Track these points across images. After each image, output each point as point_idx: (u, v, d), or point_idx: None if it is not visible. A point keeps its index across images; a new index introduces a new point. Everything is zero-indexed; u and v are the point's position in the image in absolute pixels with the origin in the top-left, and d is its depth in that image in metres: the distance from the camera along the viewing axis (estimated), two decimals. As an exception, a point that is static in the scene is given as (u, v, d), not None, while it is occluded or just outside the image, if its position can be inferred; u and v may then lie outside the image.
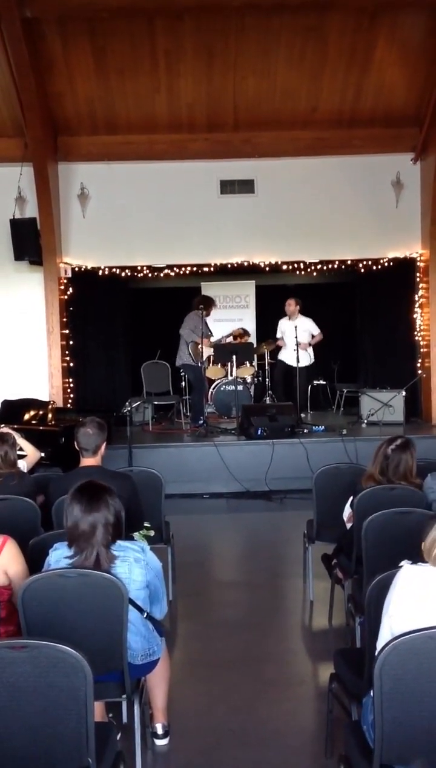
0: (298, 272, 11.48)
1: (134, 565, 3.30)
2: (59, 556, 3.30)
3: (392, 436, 4.68)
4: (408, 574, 2.67)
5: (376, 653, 2.47)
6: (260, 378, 11.63)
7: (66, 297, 10.85)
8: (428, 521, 2.81)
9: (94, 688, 2.48)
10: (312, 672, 4.69)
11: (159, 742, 3.68)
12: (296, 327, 10.25)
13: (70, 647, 2.43)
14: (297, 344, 10.10)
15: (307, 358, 10.53)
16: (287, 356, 10.75)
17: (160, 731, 3.70)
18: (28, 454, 5.77)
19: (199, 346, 10.07)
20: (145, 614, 3.32)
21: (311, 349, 10.66)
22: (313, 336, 10.62)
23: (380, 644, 2.61)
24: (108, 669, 3.15)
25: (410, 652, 2.38)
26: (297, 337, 10.12)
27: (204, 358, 10.36)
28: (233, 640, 4.99)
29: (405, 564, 2.73)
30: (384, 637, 2.62)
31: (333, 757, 3.40)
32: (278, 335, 11.00)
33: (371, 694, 2.58)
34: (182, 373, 10.85)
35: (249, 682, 4.35)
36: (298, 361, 10.19)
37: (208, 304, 10.39)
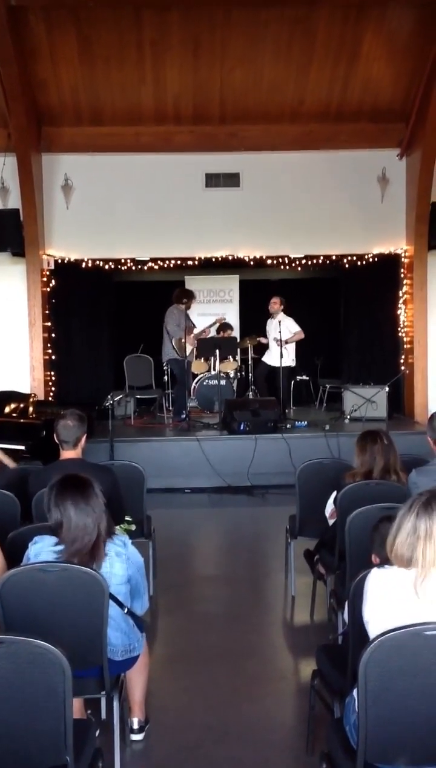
0: (282, 267, 11.46)
1: (115, 559, 3.26)
2: (39, 549, 3.24)
3: (367, 431, 4.65)
4: (376, 578, 2.64)
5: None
6: (243, 373, 11.60)
7: (49, 289, 10.76)
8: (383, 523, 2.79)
9: (73, 684, 2.43)
10: (293, 668, 4.66)
11: (134, 737, 3.64)
12: (279, 322, 10.24)
13: (49, 643, 2.38)
14: (281, 340, 10.06)
15: (288, 359, 10.47)
16: (270, 358, 10.72)
17: (135, 726, 3.66)
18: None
19: (183, 340, 10.03)
20: (126, 610, 3.27)
21: (291, 349, 10.60)
22: (293, 333, 10.56)
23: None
24: (87, 665, 3.11)
25: (395, 649, 2.35)
26: (281, 332, 10.09)
27: (188, 352, 10.31)
28: (214, 635, 4.96)
29: (373, 569, 2.71)
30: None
31: (315, 754, 3.37)
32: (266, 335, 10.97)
33: (354, 694, 2.55)
34: (166, 368, 10.80)
35: (230, 677, 4.32)
36: (281, 357, 10.14)
37: (189, 297, 10.35)
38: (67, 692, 2.41)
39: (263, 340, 10.95)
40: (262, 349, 11.06)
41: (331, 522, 4.72)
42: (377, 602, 2.59)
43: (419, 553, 2.53)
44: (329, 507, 4.78)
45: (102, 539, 3.21)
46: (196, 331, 10.77)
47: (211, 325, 11.64)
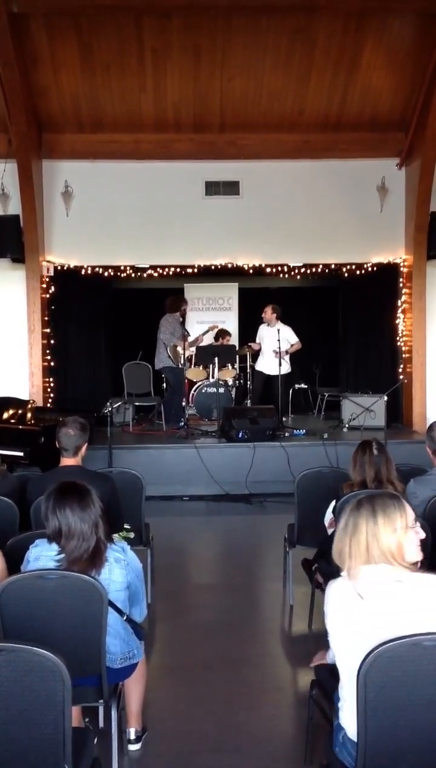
0: (281, 275, 11.46)
1: (114, 565, 3.25)
2: (39, 552, 3.24)
3: (360, 442, 4.65)
4: (330, 589, 2.64)
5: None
6: (241, 381, 11.59)
7: (48, 295, 10.76)
8: None
9: (72, 692, 2.41)
10: (291, 677, 4.64)
11: (131, 747, 3.62)
12: (278, 330, 10.21)
13: (48, 651, 2.37)
14: (279, 351, 10.04)
15: (285, 367, 10.47)
16: (265, 365, 10.71)
17: (132, 736, 3.64)
18: None
19: (178, 348, 10.04)
20: (125, 617, 3.26)
21: (287, 358, 10.60)
22: (291, 345, 10.58)
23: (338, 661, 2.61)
24: (86, 673, 3.10)
25: (394, 660, 2.34)
26: (279, 340, 10.08)
27: (184, 360, 10.31)
28: (212, 644, 4.94)
29: (330, 581, 2.71)
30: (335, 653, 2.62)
31: (313, 764, 3.36)
32: (257, 341, 10.95)
33: (344, 712, 2.56)
34: (162, 375, 10.81)
35: (227, 686, 4.30)
36: (280, 366, 10.13)
37: (180, 303, 10.41)
38: (67, 701, 2.39)
39: (254, 346, 10.93)
40: (255, 362, 11.05)
41: (330, 531, 4.71)
42: (330, 612, 2.60)
43: (346, 549, 2.56)
44: (328, 516, 4.77)
45: (102, 546, 3.21)
46: (190, 339, 10.76)
47: (204, 333, 11.64)
